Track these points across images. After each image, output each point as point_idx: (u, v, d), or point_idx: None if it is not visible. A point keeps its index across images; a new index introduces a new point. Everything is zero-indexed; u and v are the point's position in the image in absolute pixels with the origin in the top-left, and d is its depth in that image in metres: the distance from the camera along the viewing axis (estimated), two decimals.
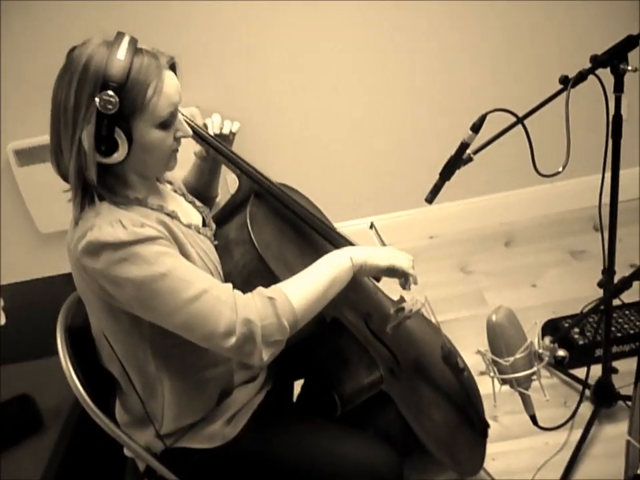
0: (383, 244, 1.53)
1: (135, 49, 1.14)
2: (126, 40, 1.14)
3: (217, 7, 2.62)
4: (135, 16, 2.56)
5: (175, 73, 1.22)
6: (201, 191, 1.57)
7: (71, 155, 1.15)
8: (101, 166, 1.17)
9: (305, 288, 1.23)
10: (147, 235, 1.15)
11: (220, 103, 2.72)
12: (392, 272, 1.37)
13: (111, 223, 1.14)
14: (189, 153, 1.50)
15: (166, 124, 1.18)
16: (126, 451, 1.42)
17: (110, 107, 1.11)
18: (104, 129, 1.12)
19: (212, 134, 1.46)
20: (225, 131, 1.52)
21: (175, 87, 1.19)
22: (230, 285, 1.20)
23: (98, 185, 1.17)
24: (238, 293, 1.19)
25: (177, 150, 1.26)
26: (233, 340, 1.14)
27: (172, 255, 1.17)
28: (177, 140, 1.24)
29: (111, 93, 1.10)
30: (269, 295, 1.18)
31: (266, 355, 1.17)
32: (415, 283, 1.42)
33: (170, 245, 1.19)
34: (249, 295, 1.19)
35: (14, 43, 2.49)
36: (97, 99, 1.10)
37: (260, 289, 1.21)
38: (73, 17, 2.45)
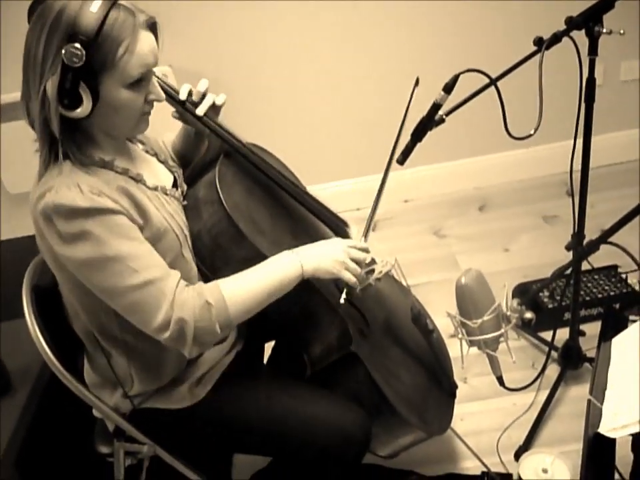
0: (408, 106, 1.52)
1: (112, 4, 1.10)
2: None
3: None
4: None
5: (155, 35, 1.19)
6: (187, 155, 1.53)
7: (37, 104, 1.12)
8: (69, 121, 1.14)
9: (247, 294, 1.23)
10: (103, 206, 1.13)
11: (194, 62, 2.66)
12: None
13: (68, 186, 1.12)
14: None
15: (136, 85, 1.15)
16: (95, 412, 1.41)
17: (75, 59, 1.07)
18: (68, 82, 1.09)
19: (184, 98, 1.40)
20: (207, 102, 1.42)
21: (150, 48, 1.15)
22: (176, 279, 1.19)
23: (65, 140, 1.15)
24: (180, 288, 1.18)
25: (148, 113, 1.22)
26: (166, 334, 1.16)
27: (125, 234, 1.15)
28: (149, 103, 1.21)
29: (77, 45, 1.07)
30: (208, 299, 1.18)
31: (195, 351, 1.20)
32: (350, 294, 1.38)
33: (128, 218, 1.16)
34: (190, 291, 1.19)
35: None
36: (63, 50, 1.07)
37: (201, 287, 1.21)
38: None
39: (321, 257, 1.32)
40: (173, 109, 1.43)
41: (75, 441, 1.66)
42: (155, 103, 1.23)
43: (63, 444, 1.74)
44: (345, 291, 1.35)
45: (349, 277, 1.33)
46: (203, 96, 1.40)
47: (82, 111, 1.12)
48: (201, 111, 1.39)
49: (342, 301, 1.35)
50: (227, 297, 1.20)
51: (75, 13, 1.08)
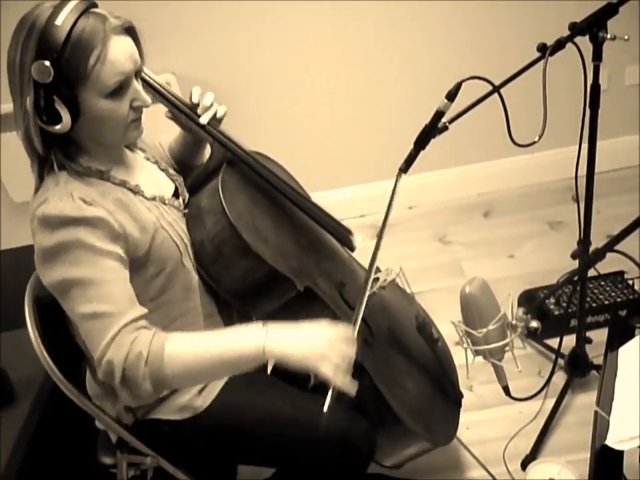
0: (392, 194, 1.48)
1: (80, 13, 1.08)
2: (72, 3, 1.09)
3: None
4: None
5: (135, 39, 1.16)
6: (186, 161, 1.53)
7: (20, 119, 1.12)
8: (56, 135, 1.13)
9: (191, 358, 1.12)
10: (92, 215, 1.12)
11: (197, 70, 2.66)
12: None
13: (61, 197, 1.12)
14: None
15: (116, 93, 1.13)
16: (97, 423, 1.41)
17: (44, 76, 1.06)
18: (41, 99, 1.08)
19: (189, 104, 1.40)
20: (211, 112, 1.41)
21: (125, 54, 1.12)
22: (128, 318, 1.12)
23: (56, 152, 1.14)
24: (128, 329, 1.11)
25: (136, 119, 1.20)
26: (99, 371, 1.12)
27: (93, 260, 1.12)
28: (135, 110, 1.18)
29: (44, 62, 1.06)
30: (143, 350, 1.09)
31: (128, 399, 1.16)
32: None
33: (110, 235, 1.14)
34: (134, 335, 1.11)
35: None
36: (32, 68, 1.06)
37: (145, 337, 1.11)
38: None
39: (295, 344, 1.13)
40: (165, 109, 1.42)
41: (77, 452, 1.65)
42: (144, 109, 1.21)
43: (66, 455, 1.73)
44: (329, 394, 1.17)
45: (325, 370, 1.12)
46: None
47: (62, 126, 1.11)
48: (204, 119, 1.38)
49: (325, 409, 1.16)
50: (166, 354, 1.10)
51: (42, 27, 1.07)
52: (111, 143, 1.23)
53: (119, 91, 1.14)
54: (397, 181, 1.47)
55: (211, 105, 1.40)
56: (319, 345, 1.14)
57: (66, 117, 1.10)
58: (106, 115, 1.14)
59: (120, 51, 1.11)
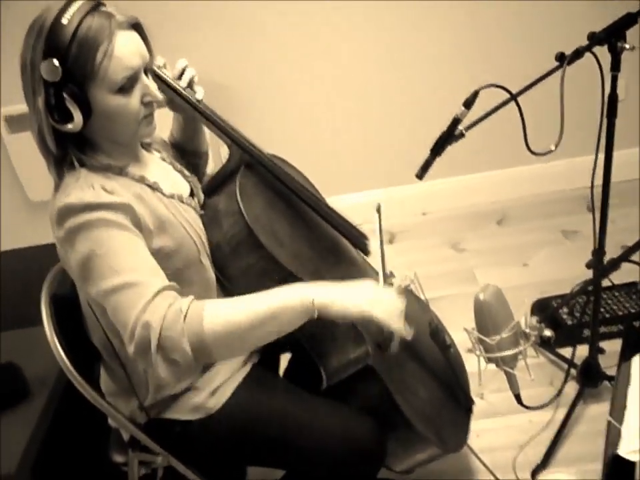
0: (380, 231, 1.49)
1: (86, 12, 1.10)
2: (78, 2, 1.10)
3: None
4: None
5: (142, 34, 1.18)
6: (186, 145, 1.53)
7: (32, 119, 1.14)
8: (70, 134, 1.14)
9: (232, 314, 1.08)
10: (112, 201, 1.12)
11: (211, 71, 2.68)
12: (367, 323, 1.15)
13: (82, 188, 1.13)
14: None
15: (125, 89, 1.14)
16: (110, 421, 1.42)
17: (53, 75, 1.08)
18: (52, 98, 1.10)
19: (196, 98, 1.39)
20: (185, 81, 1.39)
21: (132, 49, 1.13)
22: (161, 284, 1.10)
23: (76, 151, 1.16)
24: (163, 294, 1.08)
25: (148, 116, 1.21)
26: (132, 346, 1.06)
27: (116, 235, 1.11)
28: (146, 105, 1.19)
29: (53, 60, 1.07)
30: (183, 307, 1.06)
31: (164, 371, 1.05)
32: (399, 340, 1.23)
33: (131, 222, 1.14)
34: (169, 299, 1.08)
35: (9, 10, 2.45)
36: (41, 67, 1.08)
37: (185, 299, 1.09)
38: None
39: (344, 292, 1.13)
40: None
41: (90, 450, 1.66)
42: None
43: (79, 452, 1.74)
44: (384, 347, 1.19)
45: (379, 314, 1.12)
46: (183, 72, 1.37)
47: (74, 125, 1.12)
48: (199, 95, 1.38)
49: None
50: (206, 311, 1.07)
51: (49, 27, 1.08)
52: (124, 140, 1.24)
53: (128, 86, 1.15)
54: (379, 217, 1.48)
55: (185, 68, 1.38)
56: (368, 293, 1.15)
57: (77, 115, 1.12)
58: (116, 111, 1.15)
59: (126, 46, 1.12)
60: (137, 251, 1.14)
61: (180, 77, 1.37)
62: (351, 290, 1.15)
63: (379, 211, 1.54)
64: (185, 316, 1.06)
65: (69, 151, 1.16)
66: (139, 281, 1.09)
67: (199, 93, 1.39)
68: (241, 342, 1.11)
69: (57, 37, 1.08)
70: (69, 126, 1.12)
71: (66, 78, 1.09)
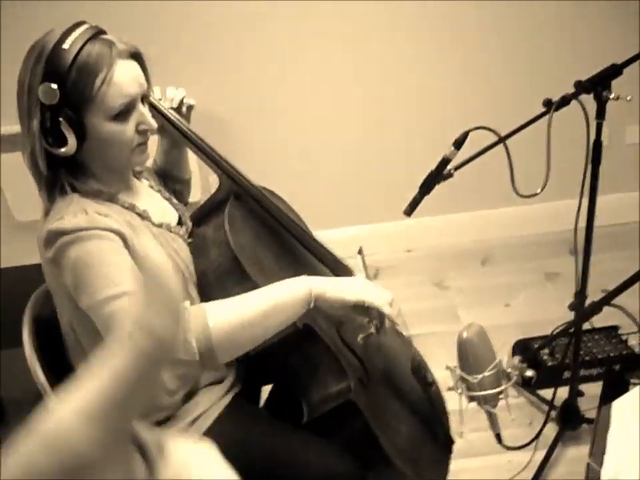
0: (366, 273, 1.52)
1: (87, 38, 1.11)
2: (80, 29, 1.12)
3: (208, 3, 2.61)
4: (132, 13, 2.54)
5: (142, 64, 1.20)
6: (169, 171, 1.54)
7: (26, 141, 1.15)
8: (64, 157, 1.15)
9: (234, 308, 1.12)
10: (105, 225, 1.13)
11: (205, 102, 2.70)
12: (362, 309, 1.25)
13: (75, 213, 1.13)
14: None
15: (121, 116, 1.15)
16: None
17: (50, 98, 1.09)
18: (47, 121, 1.11)
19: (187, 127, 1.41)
20: (175, 103, 1.43)
21: (131, 77, 1.15)
22: None
23: (67, 176, 1.16)
24: None
25: (142, 144, 1.22)
26: None
27: (115, 250, 1.12)
28: (141, 133, 1.20)
29: (51, 84, 1.09)
30: (185, 306, 1.09)
31: (171, 381, 1.07)
32: (393, 323, 1.31)
33: (124, 243, 1.15)
34: None
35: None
36: (39, 90, 1.09)
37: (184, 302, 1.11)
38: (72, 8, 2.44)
39: (337, 281, 1.24)
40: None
41: None
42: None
43: None
44: (376, 325, 1.28)
45: (373, 299, 1.22)
46: (181, 102, 1.43)
47: (67, 149, 1.13)
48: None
49: (363, 337, 1.28)
50: (207, 307, 1.11)
51: (50, 51, 1.10)
52: (117, 166, 1.24)
53: (125, 113, 1.16)
54: (362, 259, 1.53)
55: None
56: (362, 282, 1.27)
57: (71, 140, 1.12)
58: (111, 138, 1.16)
59: (125, 74, 1.14)
60: (132, 265, 1.14)
61: (179, 107, 1.40)
62: (345, 280, 1.27)
63: (360, 252, 1.57)
64: (188, 314, 1.07)
65: (61, 175, 1.17)
66: (136, 290, 1.08)
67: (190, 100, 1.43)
68: (245, 338, 1.13)
69: (57, 61, 1.09)
70: (62, 150, 1.13)
71: (63, 102, 1.10)
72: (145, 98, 1.22)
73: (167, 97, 1.42)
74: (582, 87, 1.50)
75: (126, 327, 0.85)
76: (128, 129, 1.17)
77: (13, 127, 2.60)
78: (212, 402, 1.37)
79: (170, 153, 1.51)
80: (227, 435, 1.35)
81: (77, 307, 1.20)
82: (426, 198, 1.56)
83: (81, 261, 1.10)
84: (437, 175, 1.45)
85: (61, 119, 1.11)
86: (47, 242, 1.13)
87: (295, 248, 1.48)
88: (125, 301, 1.08)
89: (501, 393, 1.35)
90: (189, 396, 1.35)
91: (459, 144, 1.38)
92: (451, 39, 2.71)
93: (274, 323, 1.15)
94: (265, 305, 1.14)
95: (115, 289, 1.09)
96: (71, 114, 1.11)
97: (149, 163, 1.53)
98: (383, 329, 1.33)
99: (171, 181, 1.53)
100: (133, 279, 1.11)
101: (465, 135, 1.38)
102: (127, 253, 1.15)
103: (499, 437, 1.43)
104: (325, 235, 1.66)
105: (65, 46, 1.10)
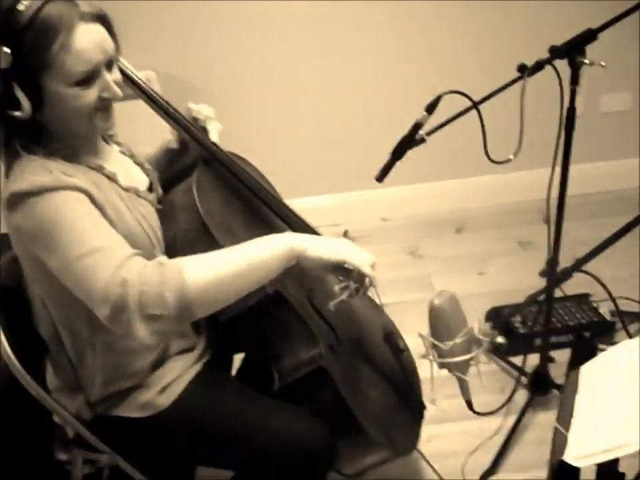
0: None
1: (44, 1, 1.05)
2: None
3: None
4: None
5: (108, 28, 1.14)
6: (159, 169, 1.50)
7: None
8: (25, 120, 1.10)
9: (212, 264, 1.09)
10: (71, 183, 1.10)
11: (180, 68, 2.65)
12: (342, 270, 1.23)
13: (36, 172, 1.10)
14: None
15: (83, 83, 1.10)
16: (55, 418, 1.38)
17: (2, 62, 1.04)
18: (0, 85, 1.06)
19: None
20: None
21: (93, 43, 1.09)
22: (131, 250, 1.09)
23: (23, 139, 1.13)
24: (134, 257, 1.07)
25: (104, 110, 1.17)
26: (107, 308, 1.02)
27: (84, 208, 1.10)
28: (103, 100, 1.15)
29: (2, 47, 1.04)
30: (161, 260, 1.07)
31: (143, 331, 1.02)
32: (372, 286, 1.30)
33: (90, 200, 1.12)
34: (144, 261, 1.07)
35: None
36: None
37: (160, 257, 1.10)
38: None
39: (320, 239, 1.23)
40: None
41: (34, 446, 1.62)
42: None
43: (22, 448, 1.69)
44: (339, 288, 1.26)
45: (354, 260, 1.21)
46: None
47: (22, 113, 1.09)
48: (214, 137, 1.40)
49: (335, 304, 1.26)
50: (184, 262, 1.07)
51: (5, 11, 1.05)
52: (79, 131, 1.19)
53: (86, 81, 1.11)
54: None
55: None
56: (343, 243, 1.25)
57: (26, 104, 1.08)
58: (68, 104, 1.11)
59: (87, 40, 1.08)
60: (102, 222, 1.11)
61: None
62: (328, 239, 1.24)
63: (345, 235, 1.55)
64: (164, 268, 1.04)
65: (17, 138, 1.13)
66: (108, 246, 1.07)
67: (214, 135, 1.41)
68: (223, 293, 1.09)
69: (11, 22, 1.04)
70: (17, 113, 1.09)
71: (18, 66, 1.05)
72: (110, 64, 1.16)
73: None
74: (556, 52, 1.49)
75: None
76: (88, 95, 1.12)
77: None
78: (182, 370, 1.36)
79: (163, 162, 1.49)
80: (196, 403, 1.35)
81: (45, 273, 1.17)
82: (401, 166, 1.55)
83: (48, 221, 1.08)
84: (409, 140, 1.43)
85: (13, 83, 1.06)
86: (11, 205, 1.10)
87: (264, 214, 1.47)
88: (93, 257, 1.05)
89: (471, 359, 1.36)
90: (158, 364, 1.33)
91: (430, 108, 1.36)
92: (425, 3, 2.67)
93: (253, 278, 1.13)
94: (243, 262, 1.11)
95: (86, 246, 1.06)
96: (26, 78, 1.06)
97: (146, 152, 1.50)
98: (361, 291, 1.30)
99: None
100: (104, 234, 1.09)
101: (437, 99, 1.36)
102: (96, 210, 1.13)
103: (469, 404, 1.44)
104: (299, 203, 1.65)
105: (21, 6, 1.04)
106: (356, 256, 1.23)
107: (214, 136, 1.39)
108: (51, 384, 1.37)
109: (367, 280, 1.27)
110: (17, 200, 1.09)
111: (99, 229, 1.10)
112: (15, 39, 1.04)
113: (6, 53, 1.04)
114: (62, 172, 1.11)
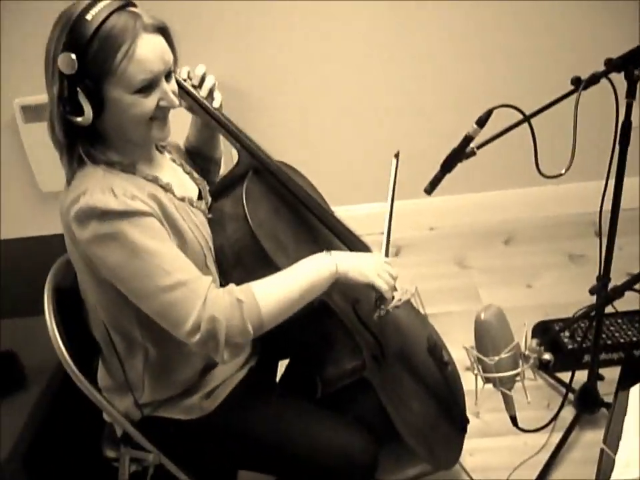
0: (394, 182, 1.56)
1: (112, 10, 1.10)
2: (106, 1, 1.11)
3: None
4: None
5: (168, 39, 1.18)
6: (201, 149, 1.53)
7: (48, 110, 1.15)
8: (84, 127, 1.15)
9: (278, 292, 1.21)
10: (136, 209, 1.13)
11: (229, 78, 2.69)
12: (370, 289, 1.34)
13: (102, 190, 1.13)
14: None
15: (143, 91, 1.14)
16: (105, 416, 1.42)
17: (68, 68, 1.09)
18: (65, 90, 1.11)
19: (213, 106, 1.39)
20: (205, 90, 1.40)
21: (155, 53, 1.13)
22: (209, 280, 1.18)
23: (86, 145, 1.16)
24: (213, 288, 1.17)
25: (160, 118, 1.20)
26: (197, 336, 1.14)
27: (157, 237, 1.15)
28: (160, 109, 1.19)
29: (71, 54, 1.08)
30: (238, 296, 1.16)
31: (227, 355, 1.17)
32: (387, 309, 1.40)
33: (159, 222, 1.17)
34: (220, 291, 1.18)
35: None
36: (58, 59, 1.09)
37: (232, 287, 1.19)
38: None
39: (357, 261, 1.32)
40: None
41: (83, 443, 1.66)
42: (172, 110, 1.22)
43: (72, 444, 1.74)
44: (379, 305, 1.37)
45: (382, 285, 1.32)
46: (202, 79, 1.38)
47: (84, 119, 1.13)
48: (217, 103, 1.39)
49: (378, 315, 1.37)
50: (257, 295, 1.18)
51: (73, 21, 1.09)
52: (137, 139, 1.23)
53: (147, 89, 1.15)
54: (395, 165, 1.51)
55: (204, 76, 1.38)
56: (372, 264, 1.34)
57: (88, 110, 1.12)
58: (128, 111, 1.15)
59: (149, 50, 1.12)
60: (176, 250, 1.18)
61: (200, 84, 1.37)
62: (361, 259, 1.35)
63: (396, 156, 1.56)
64: (244, 305, 1.16)
65: (78, 143, 1.17)
66: (190, 279, 1.15)
67: (217, 101, 1.39)
68: (287, 313, 1.23)
69: (79, 31, 1.08)
70: (79, 119, 1.13)
71: (82, 73, 1.09)
72: (169, 74, 1.20)
73: (196, 74, 1.39)
74: (612, 65, 1.45)
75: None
76: (148, 104, 1.16)
77: (37, 97, 2.62)
78: (227, 375, 1.38)
79: (202, 131, 1.51)
80: (240, 408, 1.37)
81: (97, 282, 1.22)
82: (451, 176, 1.54)
83: (125, 256, 1.13)
84: (459, 153, 1.42)
85: (78, 89, 1.10)
86: (79, 221, 1.13)
87: (313, 224, 1.48)
88: (179, 291, 1.13)
89: (517, 375, 1.34)
90: (206, 369, 1.36)
91: (482, 122, 1.35)
92: (477, 13, 2.65)
93: (307, 298, 1.25)
94: (302, 286, 1.23)
95: (170, 278, 1.13)
96: (90, 85, 1.10)
97: (181, 140, 1.53)
98: (386, 311, 1.40)
99: (202, 159, 1.53)
100: (182, 265, 1.16)
101: (488, 113, 1.35)
102: (165, 233, 1.18)
103: (513, 419, 1.42)
104: (346, 211, 1.65)
105: (89, 16, 1.09)
106: (378, 280, 1.33)
107: (217, 102, 1.39)
108: (101, 383, 1.41)
109: (385, 303, 1.39)
110: (84, 217, 1.12)
111: (176, 258, 1.17)
112: (81, 47, 1.08)
113: (72, 59, 1.08)
114: (124, 193, 1.14)
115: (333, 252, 1.30)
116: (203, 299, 1.14)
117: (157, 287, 1.13)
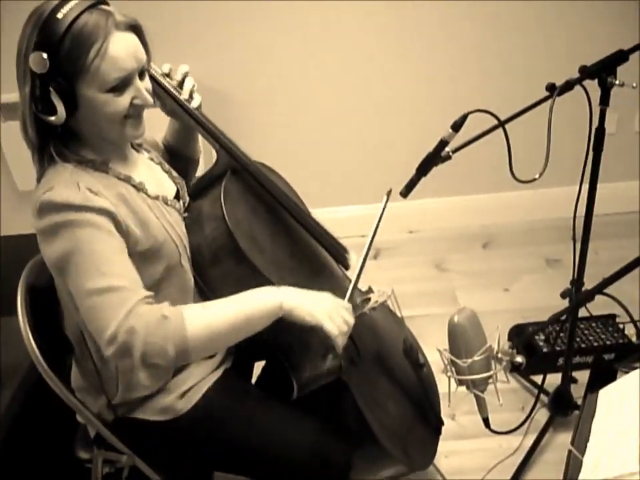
0: (380, 219, 1.53)
1: (84, 8, 1.09)
2: None
3: None
4: None
5: (141, 37, 1.18)
6: (179, 150, 1.53)
7: (19, 108, 1.14)
8: (58, 125, 1.14)
9: (210, 319, 1.14)
10: (96, 205, 1.13)
11: (207, 78, 2.68)
12: (318, 331, 1.24)
13: (67, 185, 1.13)
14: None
15: (116, 90, 1.14)
16: (78, 417, 1.41)
17: (39, 67, 1.08)
18: (37, 89, 1.10)
19: (192, 106, 1.39)
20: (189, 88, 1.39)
21: (128, 51, 1.13)
22: (145, 294, 1.13)
23: (58, 144, 1.16)
24: (145, 303, 1.11)
25: (134, 117, 1.20)
26: (113, 348, 1.08)
27: (105, 237, 1.13)
28: (134, 107, 1.18)
29: (42, 53, 1.07)
30: (165, 313, 1.11)
31: (145, 377, 1.13)
32: (335, 356, 1.36)
33: (116, 224, 1.15)
34: (152, 307, 1.12)
35: None
36: (30, 58, 1.08)
37: (164, 304, 1.14)
38: None
39: (307, 300, 1.23)
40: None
41: (56, 444, 1.65)
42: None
43: (45, 445, 1.73)
44: (327, 351, 1.33)
45: (332, 329, 1.23)
46: (183, 79, 1.37)
47: (57, 118, 1.12)
48: (195, 103, 1.38)
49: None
50: (187, 316, 1.12)
51: (44, 19, 1.08)
52: (111, 137, 1.23)
53: (120, 87, 1.14)
54: (385, 202, 1.49)
55: (185, 75, 1.38)
56: (326, 306, 1.25)
57: (60, 109, 1.11)
58: (101, 110, 1.14)
59: (122, 48, 1.12)
60: (122, 257, 1.15)
61: (180, 84, 1.37)
62: (313, 299, 1.24)
63: (388, 194, 1.55)
64: (168, 323, 1.09)
65: (51, 142, 1.16)
66: (124, 287, 1.11)
67: (196, 101, 1.39)
68: (218, 344, 1.20)
69: (50, 30, 1.08)
70: (52, 118, 1.13)
71: (55, 71, 1.09)
72: (142, 72, 1.20)
73: (178, 72, 1.39)
74: (586, 72, 1.48)
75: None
76: (121, 102, 1.16)
77: (14, 95, 2.59)
78: (202, 376, 1.38)
79: (180, 132, 1.50)
80: (215, 409, 1.37)
81: None
82: (431, 180, 1.55)
83: (69, 248, 1.11)
84: (434, 157, 1.44)
85: (50, 88, 1.10)
86: (39, 212, 1.13)
87: (290, 225, 1.48)
88: (108, 297, 1.09)
89: (489, 377, 1.35)
90: (180, 369, 1.35)
91: (457, 126, 1.36)
92: (454, 20, 2.67)
93: (246, 330, 1.19)
94: (240, 317, 1.17)
95: (103, 281, 1.10)
96: (62, 83, 1.10)
97: (159, 138, 1.53)
98: (334, 353, 1.35)
99: (180, 159, 1.52)
100: (120, 271, 1.12)
101: (463, 118, 1.36)
102: (118, 238, 1.15)
103: (486, 421, 1.43)
104: (325, 214, 1.66)
105: (60, 15, 1.08)
106: (329, 324, 1.23)
107: (196, 102, 1.38)
108: (74, 383, 1.40)
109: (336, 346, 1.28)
110: (43, 209, 1.12)
111: (117, 263, 1.13)
112: (53, 46, 1.08)
113: (44, 58, 1.08)
114: (89, 188, 1.13)
115: (283, 287, 1.23)
116: (128, 309, 1.08)
117: (89, 288, 1.10)
